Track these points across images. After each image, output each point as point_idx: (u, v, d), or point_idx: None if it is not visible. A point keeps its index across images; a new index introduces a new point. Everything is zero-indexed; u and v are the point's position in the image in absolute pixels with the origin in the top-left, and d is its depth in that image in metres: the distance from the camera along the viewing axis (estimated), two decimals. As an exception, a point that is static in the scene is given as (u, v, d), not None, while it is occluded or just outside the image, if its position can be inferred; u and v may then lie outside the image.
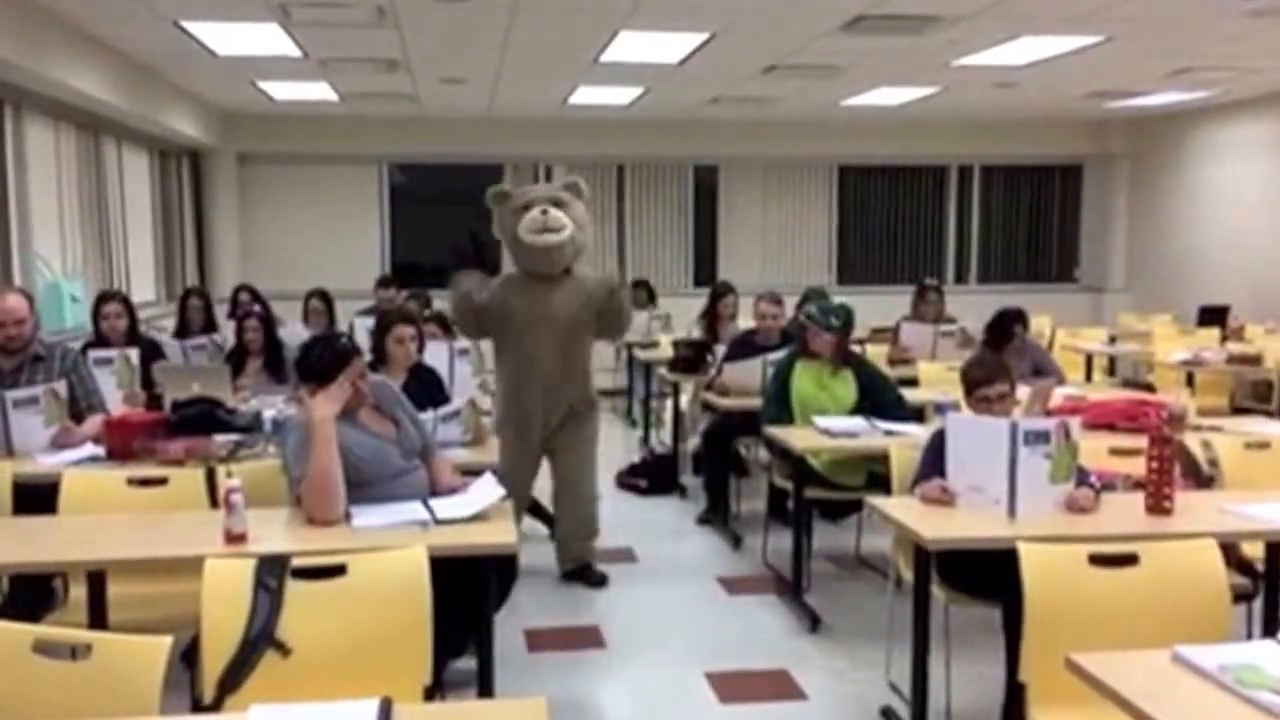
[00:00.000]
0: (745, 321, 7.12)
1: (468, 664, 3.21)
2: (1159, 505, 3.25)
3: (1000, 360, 4.13)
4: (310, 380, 3.32)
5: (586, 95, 9.26)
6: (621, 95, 9.29)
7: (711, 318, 7.51)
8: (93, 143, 7.93)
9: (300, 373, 3.38)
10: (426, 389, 4.51)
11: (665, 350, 7.69)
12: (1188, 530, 3.01)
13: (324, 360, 3.31)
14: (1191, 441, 4.00)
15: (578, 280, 5.08)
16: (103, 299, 5.89)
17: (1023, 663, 2.71)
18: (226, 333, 6.88)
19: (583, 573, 5.12)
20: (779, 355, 5.43)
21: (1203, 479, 3.85)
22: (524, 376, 4.99)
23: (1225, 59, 7.74)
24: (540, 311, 4.95)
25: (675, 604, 4.89)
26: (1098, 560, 2.75)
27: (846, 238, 11.80)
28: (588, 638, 4.49)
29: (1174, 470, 3.32)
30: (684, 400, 7.16)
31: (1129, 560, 2.76)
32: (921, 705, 3.30)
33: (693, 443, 7.02)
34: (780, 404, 5.02)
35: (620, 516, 6.22)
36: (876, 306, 8.55)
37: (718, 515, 6.06)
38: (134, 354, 4.27)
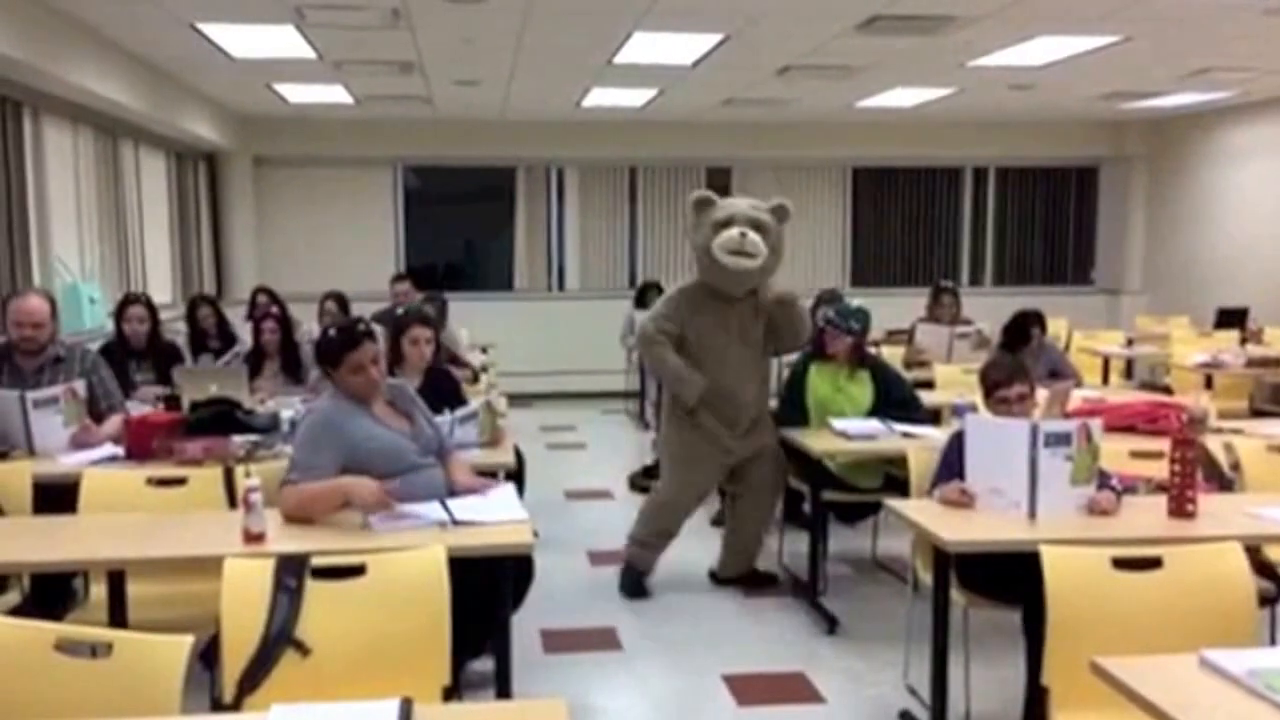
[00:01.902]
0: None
1: (484, 665, 3.21)
2: (1182, 508, 3.23)
3: (1019, 361, 4.11)
4: (324, 362, 3.37)
5: (600, 97, 9.26)
6: (635, 97, 9.29)
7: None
8: (110, 145, 7.97)
9: (317, 355, 3.44)
10: (442, 391, 4.51)
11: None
12: (1211, 533, 2.98)
13: (336, 341, 3.35)
14: (1213, 444, 3.98)
15: (762, 298, 4.95)
16: (127, 302, 5.92)
17: (1045, 667, 2.69)
18: (243, 335, 6.90)
19: (757, 575, 5.10)
20: (792, 357, 5.41)
21: (1225, 482, 3.82)
22: (719, 395, 4.82)
23: (1243, 59, 7.70)
24: (738, 330, 4.85)
25: (691, 606, 4.88)
26: (1121, 563, 2.72)
27: (861, 239, 11.77)
28: (604, 639, 4.49)
29: (1197, 473, 3.29)
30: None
31: (1153, 563, 2.73)
32: (941, 709, 3.28)
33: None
34: (796, 406, 5.00)
35: (634, 518, 6.20)
36: (891, 309, 8.52)
37: (733, 517, 6.04)
38: (80, 387, 4.28)
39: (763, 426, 4.99)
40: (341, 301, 7.55)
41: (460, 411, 4.28)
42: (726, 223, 4.76)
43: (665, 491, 5.06)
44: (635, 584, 5.03)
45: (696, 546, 5.77)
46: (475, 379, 6.20)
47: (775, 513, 5.17)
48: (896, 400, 4.94)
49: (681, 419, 4.95)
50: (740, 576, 5.11)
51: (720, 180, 11.55)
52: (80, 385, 4.29)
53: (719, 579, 5.14)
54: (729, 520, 5.17)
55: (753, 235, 4.74)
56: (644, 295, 10.01)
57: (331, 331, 3.45)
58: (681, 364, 4.83)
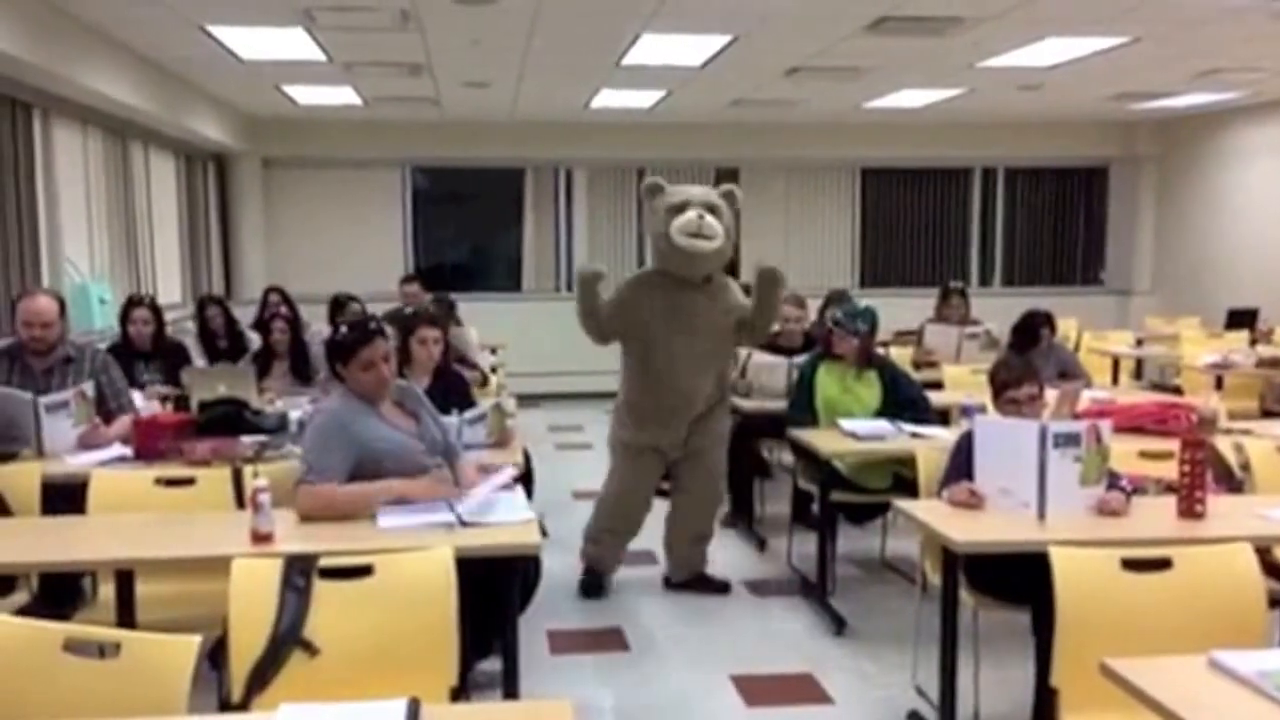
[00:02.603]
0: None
1: (492, 665, 3.21)
2: (1191, 509, 3.22)
3: (1028, 361, 4.11)
4: (336, 358, 3.39)
5: (608, 98, 9.26)
6: (643, 98, 9.29)
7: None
8: (120, 147, 8.00)
9: (328, 351, 3.45)
10: (451, 393, 4.51)
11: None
12: (1221, 534, 2.97)
13: (350, 336, 3.37)
14: (1223, 445, 3.96)
15: (720, 288, 4.91)
16: (131, 304, 5.94)
17: (1055, 668, 2.68)
18: (251, 335, 6.92)
19: (701, 582, 5.05)
20: (801, 359, 5.41)
21: (1235, 483, 3.81)
22: (660, 384, 4.79)
23: (1253, 60, 7.67)
24: (683, 318, 4.77)
25: (699, 607, 4.87)
26: (1130, 564, 2.71)
27: (869, 240, 11.75)
28: (611, 640, 4.48)
29: (1206, 474, 3.28)
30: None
31: (1162, 564, 2.72)
32: (950, 710, 3.27)
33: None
34: (805, 406, 5.00)
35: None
36: (900, 309, 8.50)
37: (742, 518, 6.04)
38: (89, 388, 4.30)
39: (710, 423, 4.94)
40: (343, 306, 7.51)
41: (469, 413, 4.28)
42: (682, 207, 4.75)
43: (610, 486, 5.04)
44: (592, 585, 4.99)
45: (704, 547, 5.76)
46: (485, 382, 6.19)
47: (716, 520, 5.09)
48: (905, 400, 4.92)
49: (627, 412, 4.94)
50: (689, 582, 5.06)
51: (729, 181, 11.52)
52: (89, 386, 4.31)
53: (669, 583, 5.11)
54: (667, 524, 5.11)
55: (709, 218, 4.72)
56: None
57: (344, 327, 3.48)
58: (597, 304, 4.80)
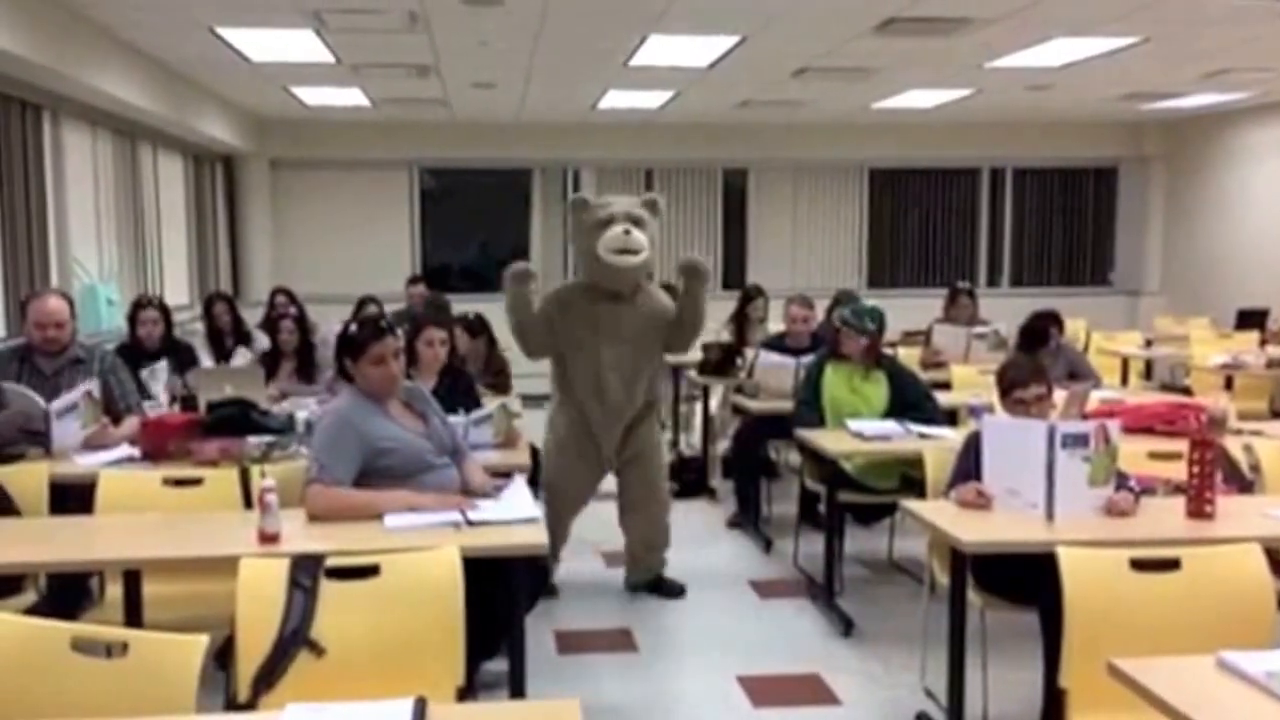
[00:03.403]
0: (774, 325, 7.09)
1: (498, 666, 3.21)
2: (1200, 510, 3.21)
3: (1036, 362, 4.09)
4: (347, 353, 3.40)
5: (616, 99, 9.26)
6: (651, 99, 9.29)
7: (741, 321, 7.48)
8: (129, 148, 8.02)
9: (340, 347, 3.48)
10: (457, 393, 4.51)
11: (694, 353, 7.65)
12: (1230, 535, 2.96)
13: (361, 333, 3.40)
14: (1233, 445, 3.94)
15: (646, 295, 4.91)
16: (139, 305, 5.95)
17: (1063, 668, 2.67)
18: (258, 336, 6.93)
19: (657, 585, 5.03)
20: (809, 359, 5.40)
21: (1244, 483, 3.79)
22: (590, 395, 4.81)
23: (1261, 60, 7.64)
24: (609, 329, 4.79)
25: (706, 607, 4.87)
26: (1139, 565, 2.70)
27: (877, 241, 11.74)
28: (618, 641, 4.48)
29: (1216, 474, 3.27)
30: (713, 403, 7.14)
31: (1171, 565, 2.71)
32: (958, 711, 3.26)
33: (723, 446, 7.00)
34: (812, 407, 4.99)
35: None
36: (908, 310, 8.49)
37: (748, 519, 6.04)
38: (96, 389, 4.31)
39: (642, 431, 4.94)
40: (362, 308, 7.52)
41: (476, 413, 4.28)
42: (608, 221, 4.76)
43: (544, 477, 5.01)
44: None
45: (711, 548, 5.77)
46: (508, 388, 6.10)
47: (663, 522, 5.05)
48: (912, 401, 4.92)
49: (564, 405, 4.94)
50: (647, 584, 5.04)
51: (737, 182, 11.55)
52: (96, 387, 4.31)
53: (628, 585, 5.09)
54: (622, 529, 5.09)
55: (635, 232, 4.74)
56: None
57: (354, 324, 3.50)
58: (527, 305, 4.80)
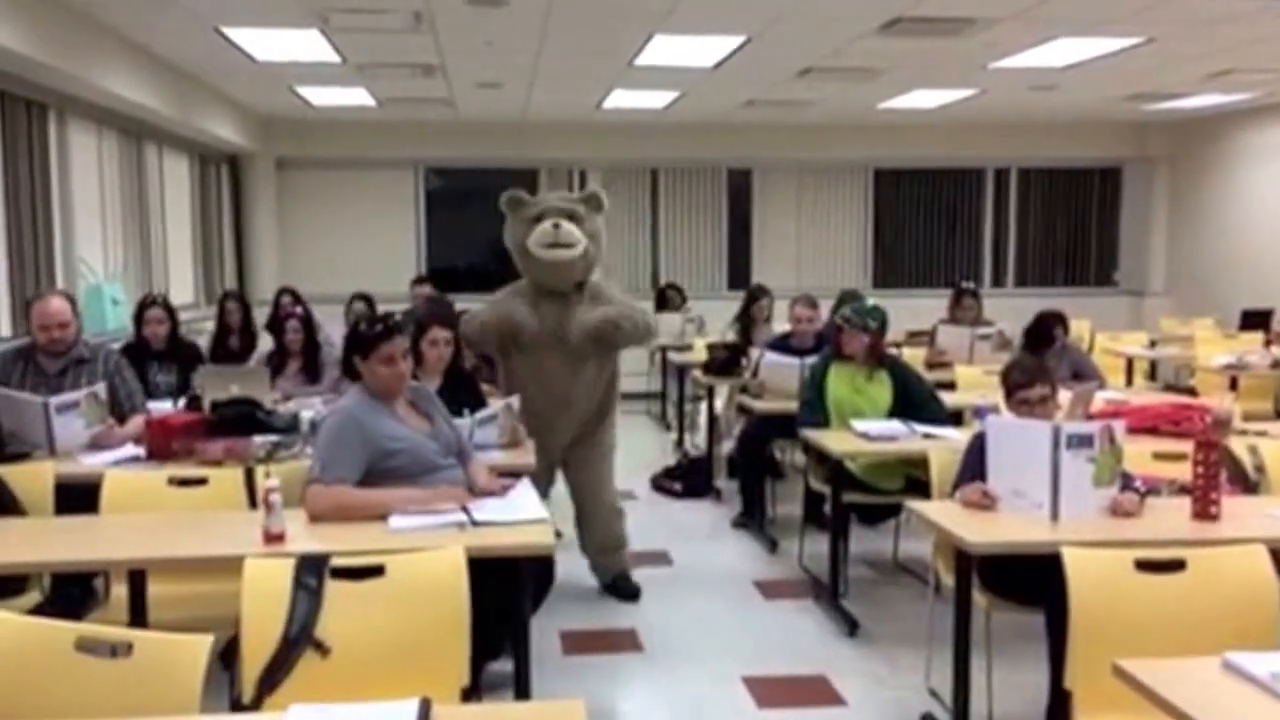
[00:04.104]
0: (779, 325, 7.09)
1: (504, 666, 3.21)
2: (1205, 510, 3.20)
3: (1041, 362, 4.08)
4: (356, 352, 3.41)
5: (621, 99, 9.26)
6: (656, 99, 9.29)
7: (746, 321, 7.48)
8: (135, 148, 8.03)
9: (348, 346, 3.49)
10: (461, 393, 4.51)
11: (699, 353, 7.67)
12: (1235, 536, 2.95)
13: (371, 331, 3.40)
14: (1237, 446, 3.93)
15: (594, 293, 4.89)
16: (145, 304, 5.96)
17: (1068, 670, 2.67)
18: (263, 337, 6.93)
19: (616, 585, 5.02)
20: (813, 360, 5.39)
21: (1249, 484, 3.78)
22: (536, 393, 4.76)
23: (1266, 61, 7.62)
24: (551, 327, 4.77)
25: (711, 608, 4.87)
26: (1144, 566, 2.70)
27: (882, 241, 11.72)
28: (623, 641, 4.48)
29: (1220, 475, 3.26)
30: (718, 403, 7.14)
31: (1176, 566, 2.71)
32: (963, 712, 3.26)
33: (727, 446, 7.00)
34: (816, 407, 4.98)
35: (655, 520, 6.21)
36: (913, 310, 8.49)
37: (753, 519, 6.03)
38: (102, 390, 4.32)
39: (595, 433, 4.92)
40: (368, 303, 7.56)
41: (480, 414, 4.28)
42: (539, 217, 4.78)
43: None
44: None
45: (716, 549, 5.77)
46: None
47: (619, 524, 5.03)
48: (916, 400, 4.91)
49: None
50: (610, 585, 5.03)
51: (742, 182, 11.55)
52: (101, 388, 4.31)
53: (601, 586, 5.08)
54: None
55: (566, 225, 4.73)
56: (664, 297, 10.02)
57: (364, 323, 3.51)
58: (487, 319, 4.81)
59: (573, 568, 5.07)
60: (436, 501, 3.20)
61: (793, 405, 5.31)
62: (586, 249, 4.80)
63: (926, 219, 11.79)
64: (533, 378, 4.81)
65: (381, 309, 7.60)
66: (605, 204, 4.96)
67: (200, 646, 2.16)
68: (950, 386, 6.03)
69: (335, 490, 3.18)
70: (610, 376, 5.01)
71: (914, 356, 6.63)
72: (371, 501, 3.18)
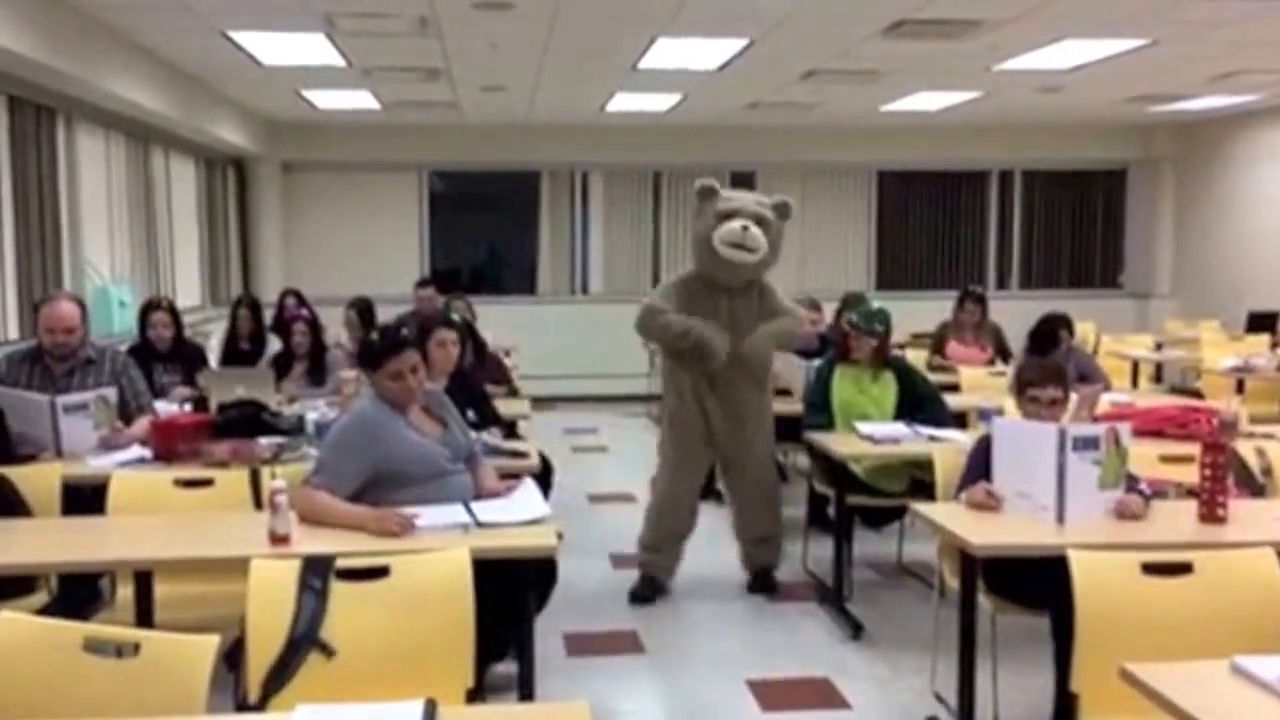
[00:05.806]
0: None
1: (508, 667, 3.21)
2: (1212, 513, 3.19)
3: (1058, 365, 4.04)
4: (365, 365, 3.43)
5: (624, 102, 9.27)
6: (659, 102, 9.29)
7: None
8: (141, 151, 8.05)
9: (359, 357, 3.52)
10: (467, 395, 4.51)
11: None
12: (1242, 539, 2.94)
13: (379, 345, 3.40)
14: (1244, 449, 3.92)
15: (762, 291, 4.91)
16: (150, 307, 5.96)
17: (1074, 673, 2.67)
18: (270, 339, 6.93)
19: (758, 581, 5.03)
20: (817, 362, 5.39)
21: (1256, 487, 3.77)
22: (703, 390, 4.84)
23: (1272, 62, 7.61)
24: (723, 322, 4.79)
25: (715, 610, 4.86)
26: (1151, 569, 2.69)
27: (886, 243, 11.72)
28: (627, 643, 4.48)
29: (1227, 478, 3.25)
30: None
31: (1183, 569, 2.70)
32: (968, 715, 3.25)
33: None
34: (821, 409, 4.98)
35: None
36: (917, 313, 8.48)
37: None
38: (111, 393, 4.34)
39: (756, 425, 4.95)
40: (367, 310, 7.50)
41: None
42: (730, 215, 4.74)
43: (660, 492, 5.04)
44: (648, 592, 4.97)
45: (719, 551, 5.75)
46: (515, 392, 6.10)
47: (777, 520, 5.07)
48: (920, 399, 4.91)
49: (675, 418, 4.94)
50: (751, 581, 5.06)
51: (746, 184, 11.52)
52: (111, 391, 4.32)
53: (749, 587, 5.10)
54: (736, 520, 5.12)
55: (754, 229, 4.72)
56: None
57: (375, 335, 3.51)
58: (690, 320, 4.76)
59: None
60: (373, 523, 3.07)
61: (796, 408, 5.31)
62: (765, 256, 4.80)
63: (930, 221, 11.79)
64: (701, 375, 4.84)
65: (382, 311, 7.63)
66: (792, 211, 4.94)
67: (206, 647, 2.17)
68: (954, 389, 6.02)
69: (312, 494, 3.18)
70: (767, 374, 5.08)
71: (918, 358, 6.62)
72: (336, 514, 3.14)
